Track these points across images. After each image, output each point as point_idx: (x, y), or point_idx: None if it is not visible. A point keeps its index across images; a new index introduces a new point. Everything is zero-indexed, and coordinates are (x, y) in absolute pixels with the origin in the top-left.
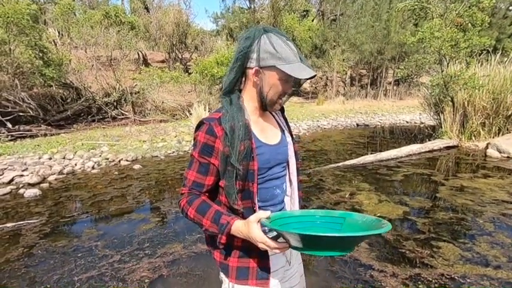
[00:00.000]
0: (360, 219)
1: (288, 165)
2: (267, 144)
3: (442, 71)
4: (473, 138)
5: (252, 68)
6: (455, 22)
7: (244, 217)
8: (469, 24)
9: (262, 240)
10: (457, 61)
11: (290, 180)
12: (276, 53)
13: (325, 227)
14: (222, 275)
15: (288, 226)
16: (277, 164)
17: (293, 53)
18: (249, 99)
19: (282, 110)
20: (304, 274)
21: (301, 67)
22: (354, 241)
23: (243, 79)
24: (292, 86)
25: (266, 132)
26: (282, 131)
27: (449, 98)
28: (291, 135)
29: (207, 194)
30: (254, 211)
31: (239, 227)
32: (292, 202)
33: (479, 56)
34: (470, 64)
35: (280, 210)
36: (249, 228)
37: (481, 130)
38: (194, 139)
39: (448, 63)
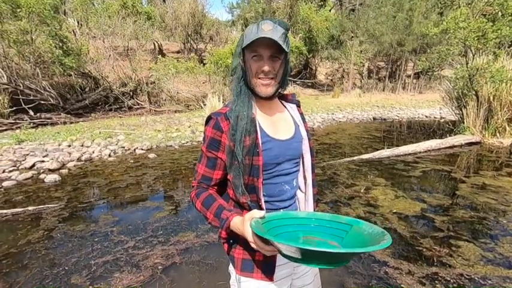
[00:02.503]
0: (366, 230)
1: (303, 161)
2: (276, 139)
3: (467, 63)
4: (498, 134)
5: (240, 61)
6: (483, 11)
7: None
8: (499, 13)
9: (252, 240)
10: (483, 53)
11: (304, 176)
12: (244, 36)
13: (327, 233)
14: (230, 268)
15: (286, 228)
16: (288, 160)
17: (258, 28)
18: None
19: (298, 104)
20: (319, 274)
21: (259, 34)
22: (348, 256)
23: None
24: (273, 61)
25: (276, 127)
26: (297, 126)
27: (474, 92)
28: (307, 130)
29: (215, 188)
30: (260, 205)
31: (237, 223)
32: (306, 198)
33: (509, 47)
34: (499, 56)
35: (289, 206)
36: (244, 226)
37: (506, 126)
38: (203, 133)
39: (473, 55)
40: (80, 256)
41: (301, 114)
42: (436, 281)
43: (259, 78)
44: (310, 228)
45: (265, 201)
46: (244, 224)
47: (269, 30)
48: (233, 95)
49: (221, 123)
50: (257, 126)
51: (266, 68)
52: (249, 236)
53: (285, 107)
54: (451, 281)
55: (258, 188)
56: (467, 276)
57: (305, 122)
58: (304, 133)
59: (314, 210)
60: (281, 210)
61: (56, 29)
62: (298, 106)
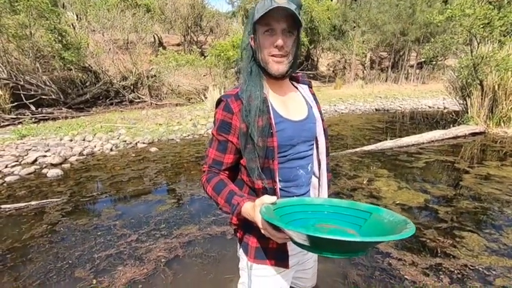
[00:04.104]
0: (386, 218)
1: (317, 143)
2: (289, 119)
3: (472, 52)
4: (503, 124)
5: (250, 39)
6: None
7: None
8: (505, 0)
9: (263, 226)
10: (489, 41)
11: (318, 160)
12: (255, 10)
13: (344, 220)
14: (240, 252)
15: (300, 215)
16: (303, 142)
17: (271, 1)
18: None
19: (309, 85)
20: (317, 260)
21: (273, 4)
22: (365, 245)
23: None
24: (284, 35)
25: (289, 107)
26: (310, 107)
27: (478, 81)
28: (320, 111)
29: (227, 173)
30: (275, 190)
31: (248, 209)
32: (320, 184)
33: None
34: (504, 44)
35: (305, 193)
36: (254, 212)
37: (511, 116)
38: (214, 117)
39: (478, 44)
40: (84, 250)
41: (313, 94)
42: (440, 272)
43: (272, 55)
44: (325, 215)
45: (280, 188)
46: (255, 209)
47: (283, 2)
48: (243, 75)
49: (231, 105)
50: (269, 107)
51: (280, 42)
52: (260, 223)
53: (297, 88)
54: (455, 271)
55: (273, 171)
56: (471, 267)
57: (318, 103)
58: (317, 114)
59: (328, 196)
60: (295, 198)
61: (54, 22)
62: (310, 87)
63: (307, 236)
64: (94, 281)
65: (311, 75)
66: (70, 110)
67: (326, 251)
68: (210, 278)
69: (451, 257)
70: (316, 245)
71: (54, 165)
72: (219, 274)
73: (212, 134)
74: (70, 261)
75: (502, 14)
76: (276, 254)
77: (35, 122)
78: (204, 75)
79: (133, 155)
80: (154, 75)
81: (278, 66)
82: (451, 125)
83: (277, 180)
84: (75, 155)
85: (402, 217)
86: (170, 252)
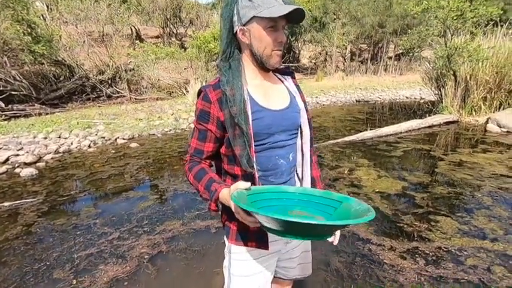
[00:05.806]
0: (354, 207)
1: (301, 134)
2: (268, 109)
3: (446, 44)
4: (474, 113)
5: (238, 30)
6: None
7: None
8: None
9: (235, 210)
10: (461, 32)
11: (302, 151)
12: (252, 3)
13: (316, 208)
14: (224, 237)
15: (274, 202)
16: (282, 131)
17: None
18: (248, 63)
19: (293, 76)
20: (310, 252)
21: (282, 7)
22: (327, 228)
23: (239, 46)
24: (286, 31)
25: (270, 97)
26: (293, 97)
27: (452, 72)
28: (304, 101)
29: (208, 161)
30: (254, 177)
31: (225, 195)
32: (304, 174)
33: (485, 27)
34: (476, 36)
35: (284, 182)
36: (229, 197)
37: (482, 105)
38: (195, 107)
39: (452, 35)
40: (62, 250)
41: (297, 85)
42: (416, 255)
43: (274, 50)
44: (299, 203)
45: (259, 177)
46: (230, 195)
47: (291, 2)
48: (222, 71)
49: (209, 94)
50: (246, 96)
51: (284, 38)
52: (233, 207)
53: (280, 79)
54: (430, 254)
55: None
56: (444, 249)
57: (301, 92)
58: (301, 104)
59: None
60: (272, 186)
61: (22, 13)
62: (293, 77)
63: (273, 219)
64: (74, 282)
65: (293, 68)
66: (43, 106)
67: (292, 235)
68: (195, 272)
69: (427, 240)
70: (283, 228)
71: (27, 164)
72: (204, 268)
73: (194, 124)
74: (48, 263)
75: (473, 6)
76: (256, 236)
77: (5, 120)
78: (185, 69)
79: (113, 151)
80: (133, 69)
81: (279, 59)
82: (427, 115)
83: (255, 166)
84: (50, 153)
85: (367, 206)
86: (153, 249)
